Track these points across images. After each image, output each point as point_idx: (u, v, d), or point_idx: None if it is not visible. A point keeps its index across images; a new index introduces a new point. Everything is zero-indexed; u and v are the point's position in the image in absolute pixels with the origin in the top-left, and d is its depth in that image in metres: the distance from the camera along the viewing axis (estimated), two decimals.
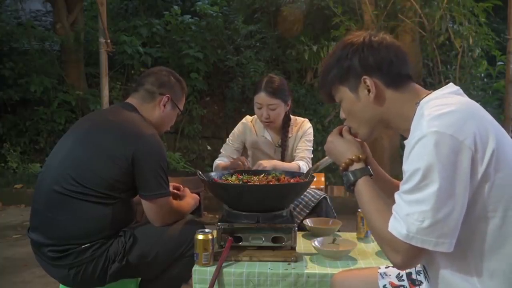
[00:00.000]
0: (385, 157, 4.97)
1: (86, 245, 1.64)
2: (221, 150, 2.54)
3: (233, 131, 2.55)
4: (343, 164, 1.24)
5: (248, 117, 2.58)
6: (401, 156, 1.05)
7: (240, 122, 2.56)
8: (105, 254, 1.65)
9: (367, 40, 1.16)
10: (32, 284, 2.83)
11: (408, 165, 1.01)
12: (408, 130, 1.10)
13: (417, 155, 0.98)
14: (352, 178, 1.20)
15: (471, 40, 4.66)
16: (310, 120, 2.62)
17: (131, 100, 1.88)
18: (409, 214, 0.98)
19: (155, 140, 1.72)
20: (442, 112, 1.00)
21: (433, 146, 0.95)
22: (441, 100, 1.06)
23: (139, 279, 1.91)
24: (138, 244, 1.70)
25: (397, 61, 1.15)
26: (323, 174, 2.80)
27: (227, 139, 2.56)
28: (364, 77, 1.14)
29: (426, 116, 1.01)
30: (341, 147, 1.28)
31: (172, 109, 1.92)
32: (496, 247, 1.01)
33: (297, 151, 2.45)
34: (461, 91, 1.12)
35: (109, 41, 3.63)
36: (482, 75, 5.45)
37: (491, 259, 1.01)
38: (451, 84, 1.15)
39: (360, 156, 1.24)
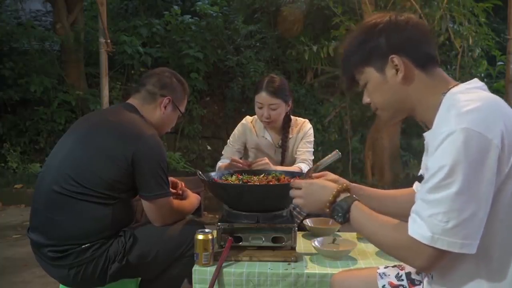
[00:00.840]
0: (385, 156, 4.96)
1: (86, 245, 1.64)
2: (222, 152, 2.54)
3: (233, 133, 2.55)
4: (330, 198, 1.21)
5: (248, 117, 2.58)
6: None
7: (240, 123, 2.56)
8: (105, 254, 1.65)
9: (393, 19, 1.13)
10: (32, 284, 2.82)
11: (433, 162, 0.97)
12: (431, 121, 1.07)
13: (444, 152, 0.95)
14: (345, 206, 1.17)
15: (471, 40, 4.66)
16: (310, 120, 2.61)
17: (132, 100, 1.88)
18: (432, 215, 0.95)
19: (155, 140, 1.72)
20: (470, 108, 0.97)
21: (461, 144, 0.93)
22: (467, 95, 1.03)
23: (139, 279, 1.91)
24: (138, 244, 1.70)
25: (425, 40, 1.12)
26: None
27: (228, 141, 2.55)
28: (392, 56, 1.10)
29: (454, 111, 0.98)
30: (321, 187, 1.27)
31: (172, 111, 1.91)
32: (510, 249, 0.99)
33: (298, 153, 2.45)
34: (485, 87, 1.10)
35: (109, 41, 3.63)
36: (482, 75, 5.44)
37: (503, 261, 1.00)
38: (476, 79, 1.12)
39: (345, 185, 1.23)
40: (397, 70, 1.11)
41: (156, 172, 1.69)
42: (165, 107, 1.87)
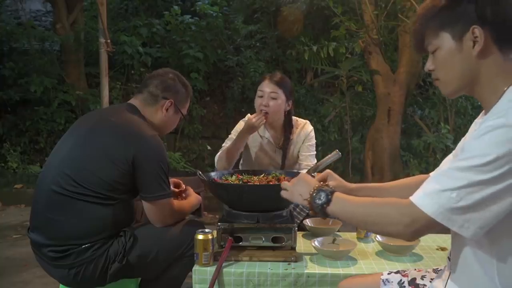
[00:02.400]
0: (385, 157, 4.96)
1: (86, 245, 1.64)
2: (222, 145, 2.53)
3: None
4: (316, 186, 1.21)
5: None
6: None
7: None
8: (105, 254, 1.65)
9: None
10: (32, 284, 2.82)
11: (477, 145, 0.94)
12: (489, 106, 1.04)
13: (491, 141, 0.92)
14: (329, 190, 1.17)
15: None
16: (310, 120, 2.61)
17: (133, 101, 1.88)
18: (447, 189, 0.94)
19: (155, 141, 1.72)
20: None
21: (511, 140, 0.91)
22: None
23: (139, 279, 1.91)
24: (138, 244, 1.70)
25: None
26: None
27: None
28: (474, 26, 1.03)
29: None
30: (304, 182, 1.28)
31: (174, 113, 1.91)
32: None
33: (300, 157, 2.44)
34: None
35: (109, 41, 3.63)
36: None
37: None
38: None
39: (322, 183, 1.25)
40: (474, 43, 1.04)
41: (157, 173, 1.69)
42: (166, 110, 1.87)
